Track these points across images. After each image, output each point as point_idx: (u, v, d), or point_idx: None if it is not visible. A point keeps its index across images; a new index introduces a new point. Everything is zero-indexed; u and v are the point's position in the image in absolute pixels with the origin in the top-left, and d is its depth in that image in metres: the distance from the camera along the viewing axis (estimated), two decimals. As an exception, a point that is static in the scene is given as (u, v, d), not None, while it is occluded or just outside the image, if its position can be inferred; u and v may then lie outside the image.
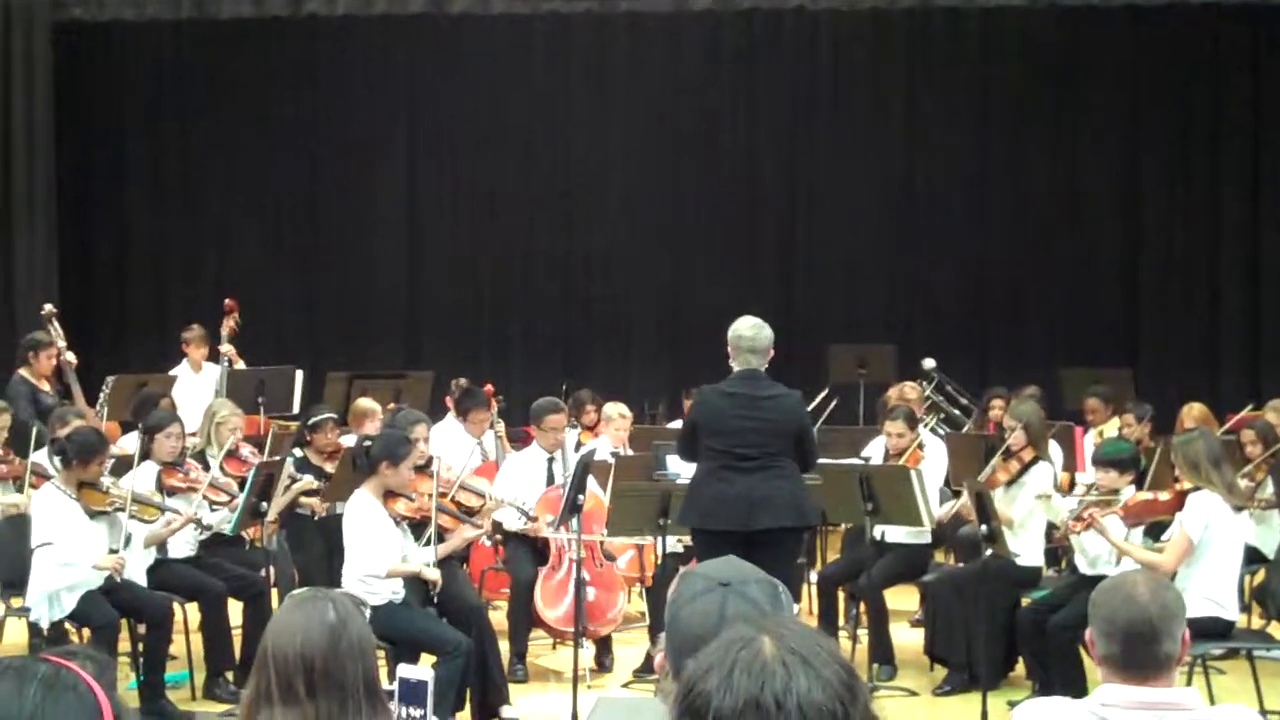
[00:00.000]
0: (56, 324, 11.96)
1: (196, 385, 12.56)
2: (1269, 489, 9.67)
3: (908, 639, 9.99)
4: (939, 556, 10.45)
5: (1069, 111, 16.09)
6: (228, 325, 12.81)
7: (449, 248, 16.90)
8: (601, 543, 9.75)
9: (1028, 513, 9.04)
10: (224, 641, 8.92)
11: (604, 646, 9.68)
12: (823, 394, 12.72)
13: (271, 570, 9.13)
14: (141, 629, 8.53)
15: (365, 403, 11.12)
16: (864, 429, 11.98)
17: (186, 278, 16.52)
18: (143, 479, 8.83)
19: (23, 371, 11.49)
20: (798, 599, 9.93)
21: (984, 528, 8.44)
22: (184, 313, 13.59)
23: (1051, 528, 9.10)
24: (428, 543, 8.32)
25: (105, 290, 16.85)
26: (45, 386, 11.50)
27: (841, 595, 9.88)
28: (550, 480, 9.89)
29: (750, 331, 8.15)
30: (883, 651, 9.39)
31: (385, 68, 16.65)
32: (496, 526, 9.70)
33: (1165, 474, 9.40)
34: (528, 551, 9.62)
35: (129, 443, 10.40)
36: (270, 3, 15.68)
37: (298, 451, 9.98)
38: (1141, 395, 12.51)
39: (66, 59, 15.92)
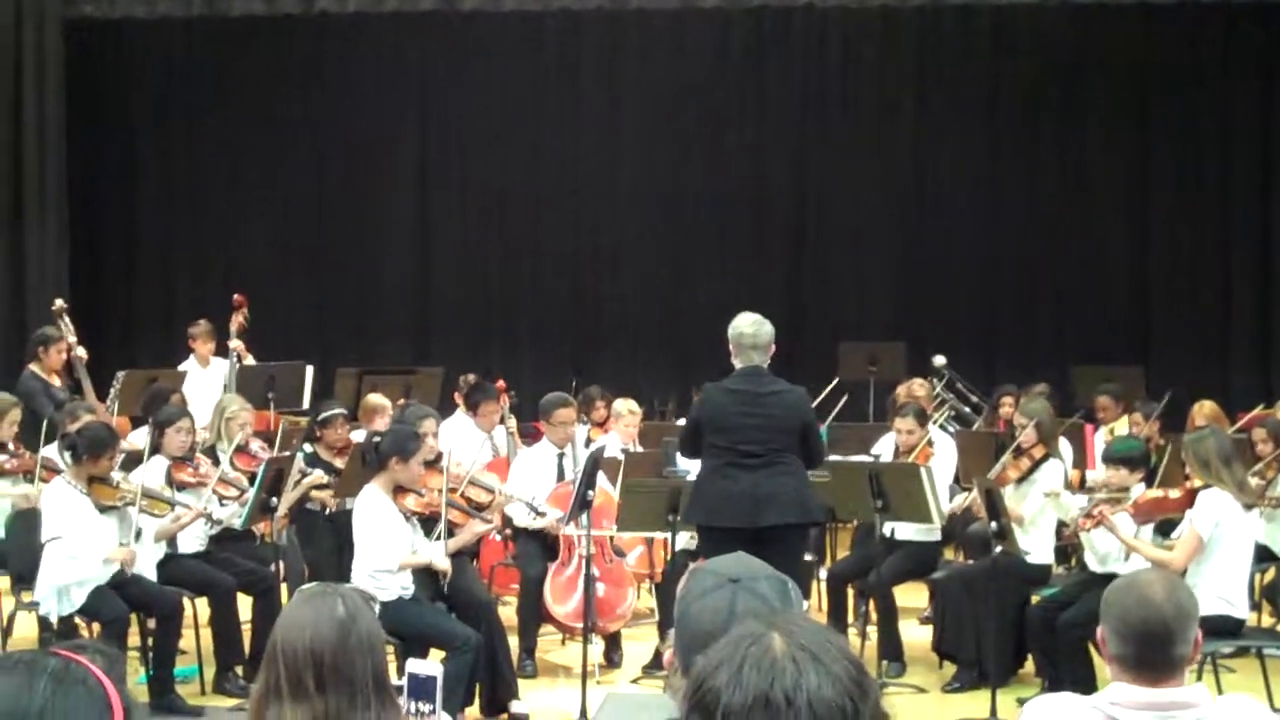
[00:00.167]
0: (67, 319, 11.97)
1: (204, 380, 12.57)
2: (1280, 487, 9.66)
3: (917, 636, 9.98)
4: (948, 554, 10.44)
5: (1079, 109, 16.06)
6: (236, 320, 12.82)
7: (459, 244, 16.91)
8: (611, 538, 9.75)
9: (1038, 510, 9.04)
10: (233, 636, 8.94)
11: (613, 642, 9.68)
12: (831, 386, 12.68)
13: (281, 565, 9.16)
14: (151, 623, 8.55)
15: (375, 398, 11.13)
16: (874, 426, 11.96)
17: (196, 274, 16.54)
18: (152, 474, 8.85)
19: (33, 367, 11.51)
20: (807, 596, 9.93)
21: (994, 525, 8.43)
22: (193, 309, 13.60)
23: (1061, 525, 9.10)
24: (438, 538, 8.32)
25: (115, 286, 16.88)
26: (56, 381, 11.51)
27: (851, 592, 9.88)
28: (560, 476, 9.90)
29: (750, 328, 8.15)
30: (892, 648, 9.38)
31: (395, 65, 16.64)
32: (506, 522, 9.71)
33: (1176, 472, 9.38)
34: (537, 547, 9.62)
35: (139, 438, 10.42)
36: (281, 0, 15.68)
37: (308, 447, 9.99)
38: (1152, 393, 12.49)
39: (78, 56, 15.94)
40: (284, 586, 9.14)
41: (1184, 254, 16.03)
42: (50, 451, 9.48)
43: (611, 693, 8.59)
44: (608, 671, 9.47)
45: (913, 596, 10.36)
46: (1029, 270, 16.21)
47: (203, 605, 8.99)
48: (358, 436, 10.05)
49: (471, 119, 16.67)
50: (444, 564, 8.18)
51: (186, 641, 8.89)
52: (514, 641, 8.99)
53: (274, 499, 8.74)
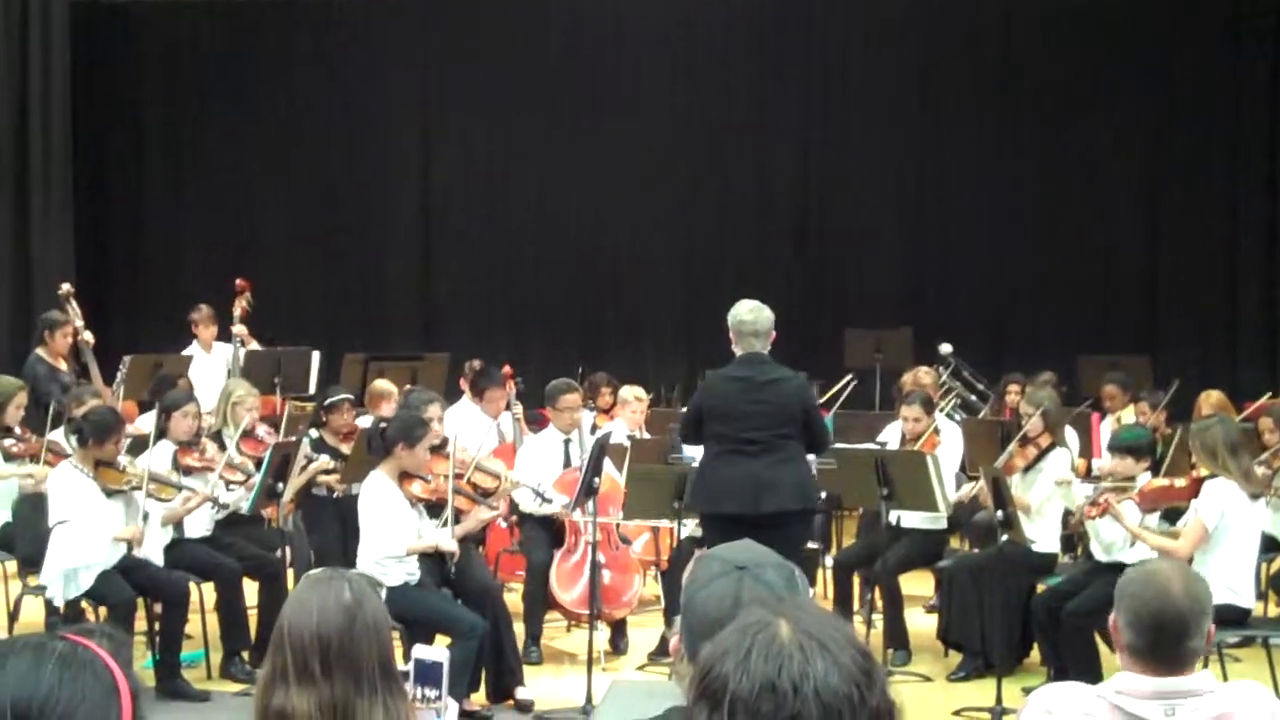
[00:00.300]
0: (74, 303, 11.98)
1: (208, 365, 12.56)
2: (1286, 476, 9.63)
3: (922, 624, 9.98)
4: (954, 542, 10.44)
5: (1089, 97, 16.02)
6: (239, 305, 12.81)
7: (465, 230, 16.91)
8: (617, 525, 9.75)
9: (1044, 499, 9.04)
10: (240, 621, 8.94)
11: (619, 629, 9.68)
12: (844, 382, 12.67)
13: (287, 550, 9.17)
14: (158, 608, 8.56)
15: (382, 384, 11.14)
16: (880, 414, 11.96)
17: (203, 258, 16.54)
18: (159, 458, 8.85)
19: (39, 351, 11.51)
20: (812, 583, 9.93)
21: (999, 514, 8.43)
22: (200, 294, 13.60)
23: (1068, 514, 9.09)
24: (444, 524, 8.32)
25: (122, 270, 16.90)
26: (62, 365, 11.51)
27: (856, 580, 9.88)
28: (567, 462, 9.90)
29: (750, 315, 8.14)
30: (897, 636, 9.39)
31: (403, 52, 16.65)
32: (512, 508, 9.71)
33: (1182, 460, 9.38)
34: (543, 534, 9.63)
35: (146, 422, 10.42)
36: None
37: (314, 432, 9.99)
38: (1159, 383, 12.47)
39: (84, 40, 15.93)
40: (290, 572, 9.15)
41: (1191, 243, 16.00)
42: (57, 435, 9.49)
43: (617, 680, 8.58)
44: (613, 658, 9.47)
45: (918, 585, 10.37)
46: (1036, 258, 16.18)
47: (209, 590, 8.99)
48: (364, 422, 10.06)
49: (478, 105, 16.65)
50: (451, 545, 8.18)
51: (193, 626, 8.91)
52: (519, 628, 9.00)
53: (280, 484, 8.75)
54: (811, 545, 9.74)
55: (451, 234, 16.94)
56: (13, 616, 8.94)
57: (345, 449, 9.82)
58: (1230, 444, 7.96)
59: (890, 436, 10.11)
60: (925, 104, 16.39)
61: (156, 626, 8.54)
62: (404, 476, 8.17)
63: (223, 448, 9.28)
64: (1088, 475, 9.89)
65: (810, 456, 8.45)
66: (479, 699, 8.22)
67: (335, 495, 9.72)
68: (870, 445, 9.96)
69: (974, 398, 13.03)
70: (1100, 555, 8.43)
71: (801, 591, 2.80)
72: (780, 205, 16.65)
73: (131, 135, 17.04)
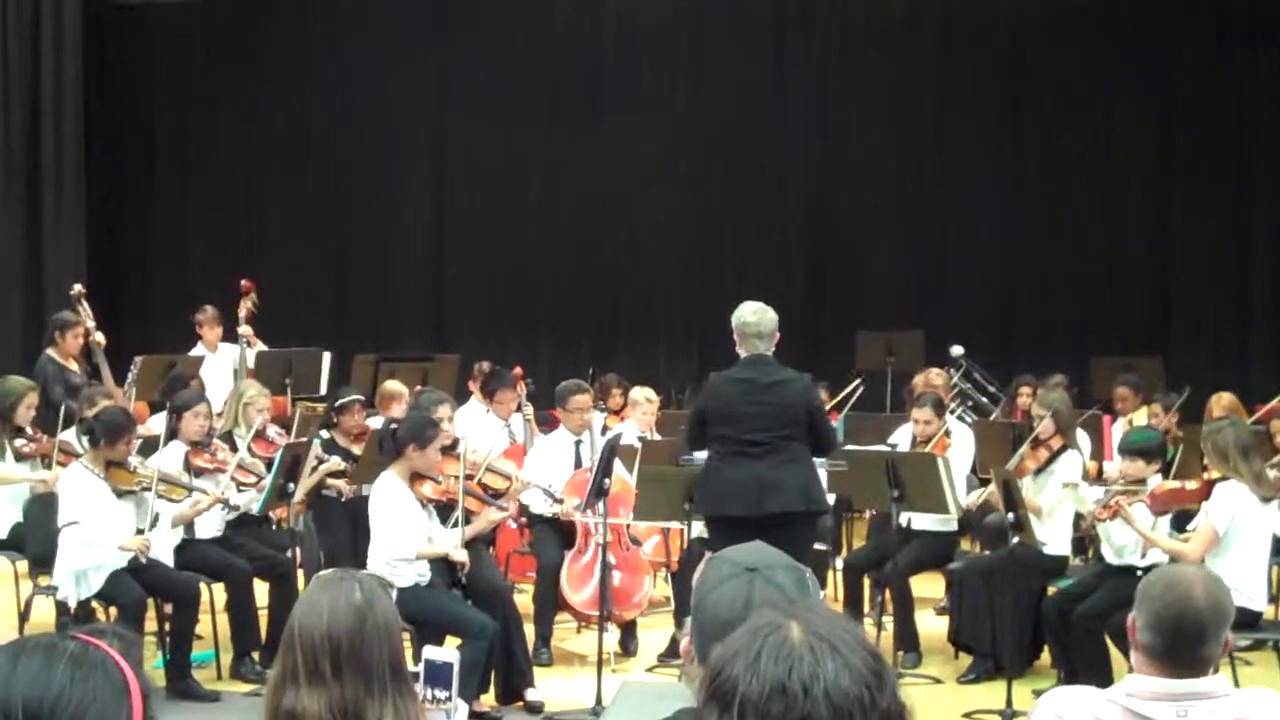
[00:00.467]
0: (85, 304, 11.99)
1: (213, 366, 12.54)
2: (1297, 480, 9.61)
3: (933, 626, 9.98)
4: (965, 544, 10.43)
5: (1099, 100, 16.01)
6: (245, 306, 12.80)
7: (477, 231, 16.92)
8: (627, 527, 9.75)
9: (1055, 501, 9.02)
10: (250, 622, 8.95)
11: (629, 631, 9.68)
12: (854, 385, 12.66)
13: (298, 551, 9.17)
14: (168, 608, 8.57)
15: (392, 385, 11.14)
16: (891, 416, 11.95)
17: (214, 259, 16.56)
18: (170, 459, 8.87)
19: (50, 351, 11.53)
20: (822, 585, 9.91)
21: (1011, 516, 8.41)
22: (211, 294, 13.62)
23: (1079, 517, 9.07)
24: (455, 525, 8.32)
25: (133, 272, 16.92)
26: (73, 366, 11.53)
27: (867, 582, 9.87)
28: (577, 464, 9.90)
29: (754, 317, 8.13)
30: (908, 639, 9.38)
31: (413, 51, 16.66)
32: (523, 509, 9.71)
33: (1193, 463, 9.36)
34: (554, 535, 9.62)
35: (157, 423, 10.43)
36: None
37: (324, 433, 10.00)
38: (1171, 385, 12.45)
39: (96, 41, 15.96)
40: (300, 573, 9.16)
41: (1203, 245, 15.97)
42: (68, 436, 9.50)
43: (627, 681, 8.59)
44: (623, 660, 9.47)
45: (929, 587, 10.36)
46: (1047, 261, 16.17)
47: (219, 591, 9.01)
48: (375, 423, 10.06)
49: (489, 106, 16.66)
50: (461, 555, 8.17)
51: (203, 627, 8.91)
52: (530, 629, 8.99)
53: (291, 485, 8.75)
54: (820, 547, 9.72)
55: (462, 235, 16.95)
56: (23, 616, 8.95)
57: (356, 450, 9.83)
58: (1241, 446, 7.95)
59: (901, 438, 10.10)
60: (938, 104, 16.37)
61: (167, 627, 8.56)
62: (415, 477, 8.17)
63: (234, 449, 9.29)
64: (1099, 478, 9.90)
65: (818, 460, 8.44)
66: (489, 700, 8.22)
67: (344, 499, 9.72)
68: (881, 447, 9.95)
69: (985, 400, 13.01)
70: (1111, 558, 8.42)
71: (813, 594, 2.80)
72: (790, 206, 16.65)
73: (143, 136, 17.07)
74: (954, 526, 9.65)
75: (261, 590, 9.09)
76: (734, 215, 16.57)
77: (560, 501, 9.48)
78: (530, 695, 8.33)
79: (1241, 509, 7.79)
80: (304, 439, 9.53)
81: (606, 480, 8.58)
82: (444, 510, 8.42)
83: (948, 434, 9.78)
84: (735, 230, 16.53)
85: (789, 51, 16.56)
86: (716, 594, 2.71)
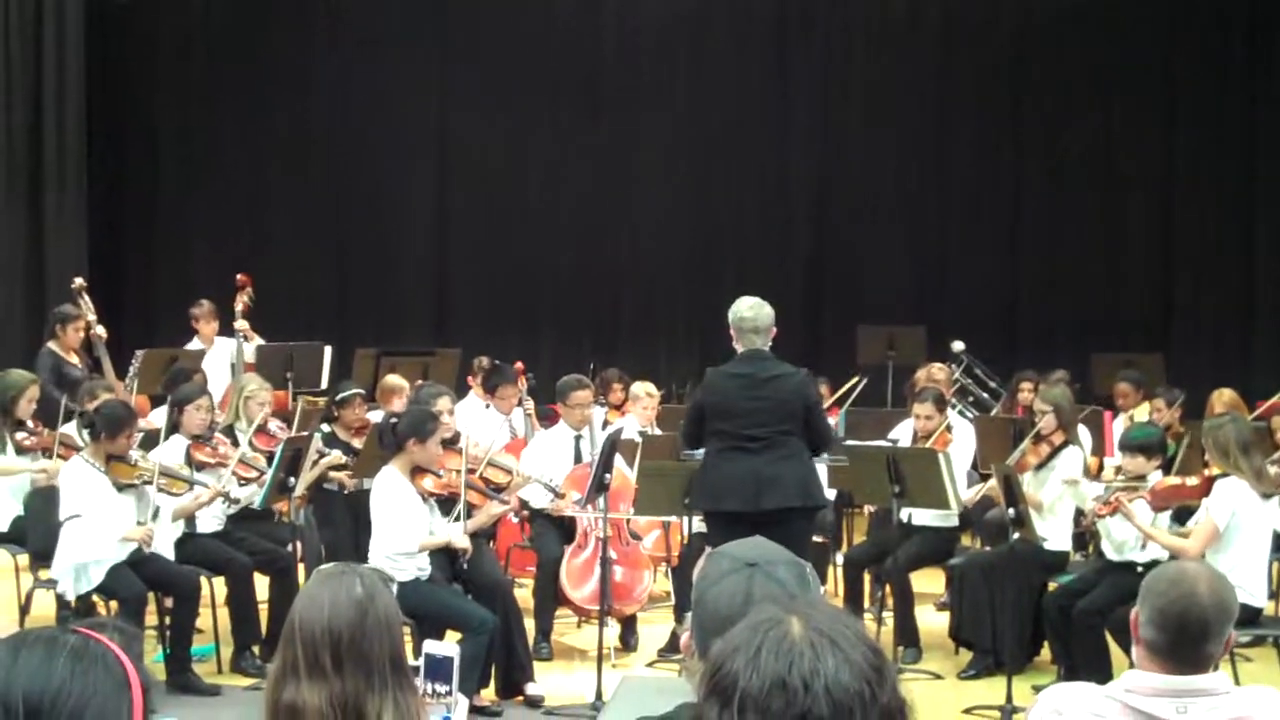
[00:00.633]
0: (86, 298, 11.99)
1: (209, 361, 12.53)
2: (1298, 476, 9.61)
3: (933, 622, 9.98)
4: (966, 540, 10.43)
5: (1103, 95, 16.01)
6: (241, 301, 12.79)
7: (478, 226, 16.92)
8: (628, 521, 9.75)
9: (1056, 497, 9.02)
10: (251, 616, 8.95)
11: (629, 625, 9.68)
12: (853, 382, 12.65)
13: (298, 545, 9.17)
14: (169, 602, 8.57)
15: (393, 379, 11.15)
16: (892, 411, 11.95)
17: (216, 254, 16.54)
18: (172, 453, 8.87)
19: (51, 344, 11.53)
20: (823, 581, 9.92)
21: (1011, 511, 8.41)
22: (213, 289, 13.61)
23: (1080, 513, 9.07)
24: (456, 518, 8.33)
25: (135, 266, 16.92)
26: (73, 359, 11.53)
27: (867, 577, 9.87)
28: (577, 458, 9.90)
29: (750, 311, 8.13)
30: (908, 634, 9.38)
31: (415, 47, 16.65)
32: (523, 504, 9.71)
33: (1194, 459, 9.36)
34: (554, 530, 9.63)
35: (158, 417, 10.44)
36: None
37: (325, 427, 10.01)
38: (1173, 381, 12.45)
39: (99, 37, 15.95)
40: (301, 567, 9.16)
41: (1206, 241, 15.98)
42: (69, 429, 9.50)
43: (627, 676, 8.60)
44: (623, 654, 9.47)
45: (929, 582, 10.36)
46: (1049, 257, 16.17)
47: (220, 584, 9.01)
48: (375, 417, 10.06)
49: (491, 102, 16.66)
50: (463, 541, 8.18)
51: (204, 621, 8.91)
52: (530, 624, 9.00)
53: (292, 479, 8.76)
54: (819, 539, 9.71)
55: (464, 230, 16.94)
56: (24, 610, 8.95)
57: (357, 444, 9.84)
58: (1242, 443, 7.95)
59: (902, 434, 10.10)
60: (940, 100, 16.37)
61: (167, 621, 8.56)
62: (416, 471, 8.18)
63: (235, 443, 9.29)
64: (1100, 474, 9.90)
65: (821, 456, 8.44)
66: (489, 694, 8.22)
67: (345, 492, 9.72)
68: (882, 442, 9.95)
69: (986, 395, 13.01)
70: (1111, 554, 8.43)
71: (813, 589, 2.80)
72: (791, 201, 16.65)
73: (145, 132, 17.06)
74: (954, 522, 9.65)
75: (262, 584, 9.09)
76: (735, 210, 16.56)
77: (561, 496, 9.49)
78: (530, 690, 8.33)
79: (1242, 505, 7.79)
80: (305, 433, 9.53)
81: (607, 475, 8.58)
82: (445, 505, 8.42)
83: (949, 429, 9.78)
84: (736, 225, 16.53)
85: (790, 49, 16.55)
86: (717, 589, 2.72)
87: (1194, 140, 15.94)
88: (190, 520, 8.89)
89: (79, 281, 12.25)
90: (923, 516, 9.41)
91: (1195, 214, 15.98)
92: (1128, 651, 3.86)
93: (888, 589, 9.52)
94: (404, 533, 8.02)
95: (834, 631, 1.96)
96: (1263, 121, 15.83)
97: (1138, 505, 8.02)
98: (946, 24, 16.33)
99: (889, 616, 9.44)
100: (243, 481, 9.07)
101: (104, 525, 8.19)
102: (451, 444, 8.68)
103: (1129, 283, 16.12)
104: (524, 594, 9.55)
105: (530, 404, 11.51)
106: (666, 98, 16.59)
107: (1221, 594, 3.62)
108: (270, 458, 8.98)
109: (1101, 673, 7.41)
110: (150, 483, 8.34)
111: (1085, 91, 16.05)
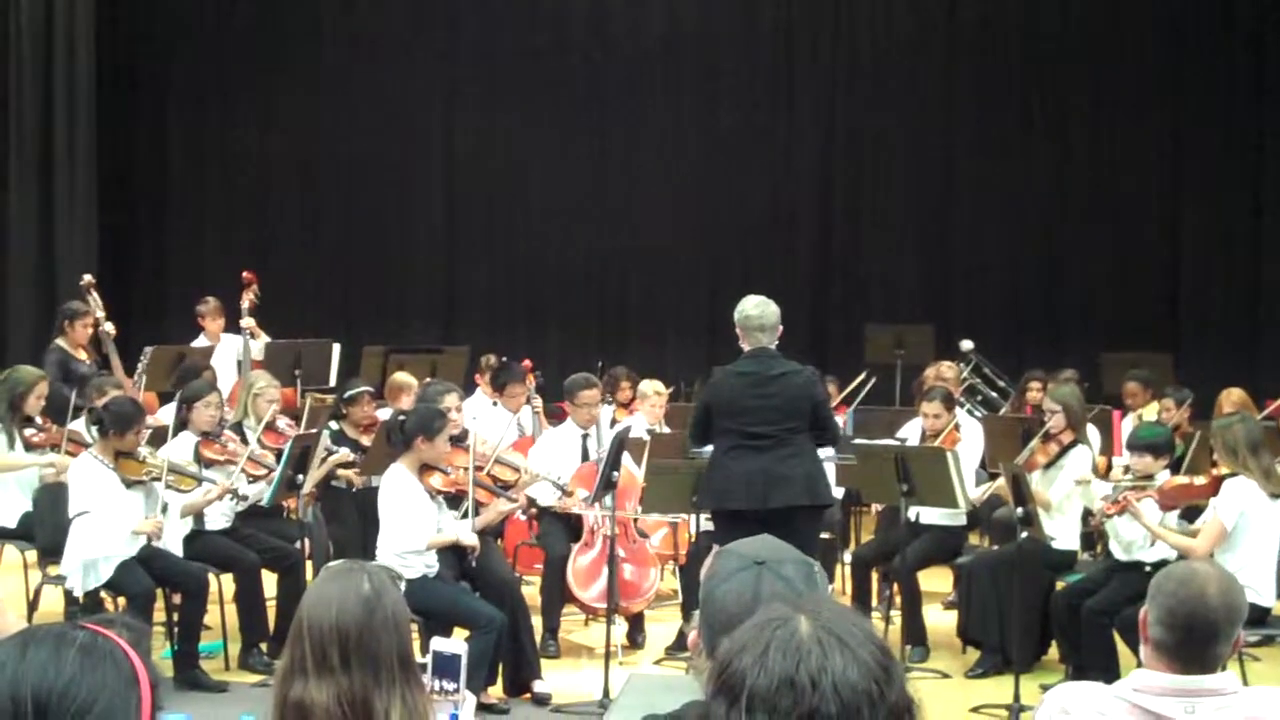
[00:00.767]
0: (95, 294, 11.99)
1: (215, 358, 12.52)
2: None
3: (941, 621, 9.98)
4: (974, 539, 10.42)
5: (1110, 94, 15.98)
6: (247, 298, 12.79)
7: (486, 223, 16.93)
8: (635, 519, 9.75)
9: (1064, 496, 9.02)
10: (259, 613, 8.96)
11: (636, 623, 9.68)
12: (860, 379, 12.64)
13: (306, 542, 9.17)
14: (177, 599, 8.57)
15: (401, 377, 11.15)
16: (900, 410, 11.94)
17: (225, 251, 16.56)
18: (181, 449, 8.88)
19: (59, 340, 11.54)
20: (830, 579, 9.93)
21: (1019, 510, 8.41)
22: (222, 286, 13.62)
23: (1088, 512, 9.07)
24: (464, 516, 8.33)
25: (145, 264, 16.94)
26: (81, 355, 11.53)
27: (875, 576, 9.87)
28: (585, 456, 9.91)
29: (756, 310, 8.13)
30: (915, 633, 9.38)
31: (425, 45, 16.66)
32: (531, 501, 9.72)
33: (1203, 459, 9.35)
34: (562, 527, 9.63)
35: (166, 414, 10.44)
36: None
37: (334, 424, 10.01)
38: (1182, 381, 12.43)
39: (109, 34, 15.96)
40: (309, 564, 9.17)
41: (1213, 240, 15.94)
42: (78, 425, 9.51)
43: (634, 674, 8.60)
44: (631, 653, 9.47)
45: (937, 581, 10.36)
46: (1058, 255, 16.15)
47: (228, 581, 9.01)
48: (384, 414, 10.07)
49: (500, 100, 16.66)
50: (471, 539, 8.19)
51: (212, 617, 8.93)
52: (537, 621, 9.00)
53: (300, 476, 8.76)
54: (826, 536, 9.70)
55: (472, 227, 16.95)
56: (32, 606, 8.97)
57: (365, 441, 9.84)
58: (1251, 442, 7.94)
59: (910, 433, 10.09)
60: (948, 101, 16.34)
61: (175, 617, 8.56)
62: (424, 469, 8.18)
63: (244, 440, 9.30)
64: (1109, 473, 9.88)
65: (827, 454, 8.43)
66: (496, 692, 8.23)
67: (353, 490, 9.73)
68: (890, 441, 9.94)
69: (995, 394, 13.00)
70: (1120, 554, 8.42)
71: (821, 587, 2.80)
72: (800, 199, 16.63)
73: (155, 128, 17.08)
74: (962, 521, 9.65)
75: (270, 581, 9.10)
76: (744, 208, 16.53)
77: (569, 494, 9.49)
78: (537, 687, 8.34)
79: (1250, 505, 7.78)
80: (313, 430, 9.53)
81: (615, 473, 8.58)
82: (453, 502, 8.43)
83: (957, 428, 9.78)
84: (745, 223, 16.50)
85: (800, 47, 16.53)
86: (725, 587, 2.72)
87: (1202, 140, 15.90)
88: (199, 517, 8.90)
89: (87, 278, 12.25)
90: (931, 515, 9.41)
91: (1204, 213, 15.94)
92: (1136, 651, 3.86)
93: (895, 587, 9.51)
94: (412, 530, 8.02)
95: (842, 630, 1.96)
96: (1271, 121, 15.79)
97: (1146, 504, 8.01)
98: (954, 24, 16.30)
99: (896, 615, 9.43)
100: (251, 478, 9.08)
101: (113, 521, 8.20)
102: (459, 441, 8.69)
103: (1138, 282, 16.08)
104: (531, 591, 9.55)
105: (538, 402, 11.51)
106: (673, 97, 16.59)
107: (1230, 594, 3.62)
108: (279, 455, 8.98)
109: (1109, 672, 7.40)
110: (159, 479, 8.35)
111: (1093, 91, 16.02)
